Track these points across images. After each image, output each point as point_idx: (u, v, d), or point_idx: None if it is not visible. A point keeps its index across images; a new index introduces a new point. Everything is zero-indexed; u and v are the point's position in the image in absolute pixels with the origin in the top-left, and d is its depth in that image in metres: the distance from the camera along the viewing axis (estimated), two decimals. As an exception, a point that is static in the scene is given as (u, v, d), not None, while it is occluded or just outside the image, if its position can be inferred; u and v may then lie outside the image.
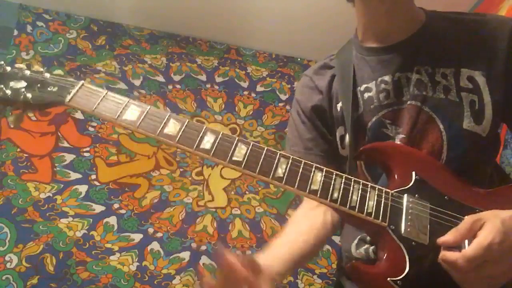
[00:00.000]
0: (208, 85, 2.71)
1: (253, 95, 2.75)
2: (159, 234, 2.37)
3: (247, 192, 2.52)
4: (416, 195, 0.77)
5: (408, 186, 0.78)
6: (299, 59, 2.87)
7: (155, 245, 2.35)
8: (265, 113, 2.71)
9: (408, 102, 0.87)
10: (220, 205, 2.49)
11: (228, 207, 2.49)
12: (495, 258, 0.65)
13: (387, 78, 0.89)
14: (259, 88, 2.77)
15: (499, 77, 0.84)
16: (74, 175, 2.39)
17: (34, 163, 2.37)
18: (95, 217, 2.33)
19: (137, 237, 2.34)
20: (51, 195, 2.33)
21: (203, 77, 2.72)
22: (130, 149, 2.50)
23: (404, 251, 0.72)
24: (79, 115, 2.50)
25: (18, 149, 2.37)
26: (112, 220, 2.35)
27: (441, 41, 0.89)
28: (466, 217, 0.72)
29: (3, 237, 2.20)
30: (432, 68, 0.87)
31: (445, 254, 0.68)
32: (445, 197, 0.78)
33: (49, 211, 2.29)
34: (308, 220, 0.96)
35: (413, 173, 0.79)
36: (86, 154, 2.44)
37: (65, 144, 2.44)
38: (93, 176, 2.41)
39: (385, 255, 0.73)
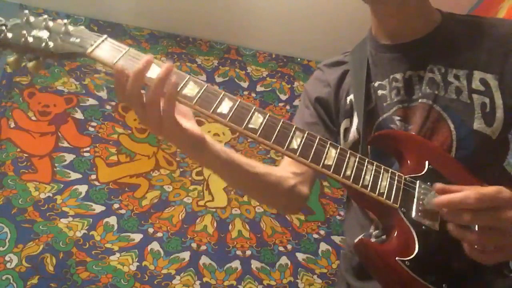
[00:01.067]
0: (208, 85, 2.70)
1: (253, 95, 2.75)
2: (159, 234, 2.37)
3: (247, 192, 2.52)
4: (428, 183, 0.77)
5: (421, 173, 0.79)
6: (299, 59, 2.87)
7: (155, 245, 2.35)
8: (265, 113, 2.71)
9: (420, 100, 0.88)
10: (220, 205, 2.49)
11: (228, 207, 2.49)
12: (504, 204, 0.64)
13: (398, 76, 0.90)
14: (259, 88, 2.77)
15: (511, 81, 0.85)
16: (74, 175, 2.39)
17: (34, 163, 2.37)
18: (95, 217, 2.33)
19: (137, 237, 2.34)
20: (51, 195, 2.33)
21: (203, 77, 2.72)
22: (130, 149, 2.50)
23: (414, 233, 0.72)
24: (79, 115, 2.50)
25: (18, 149, 2.37)
26: (112, 220, 2.35)
27: (455, 43, 0.90)
28: None
29: (3, 237, 2.20)
30: (445, 68, 0.88)
31: (455, 193, 0.66)
32: None
33: (49, 211, 2.29)
34: (269, 166, 0.95)
35: (427, 162, 0.80)
36: (86, 154, 2.44)
37: (65, 144, 2.44)
38: (93, 176, 2.41)
39: (395, 235, 0.73)
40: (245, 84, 2.76)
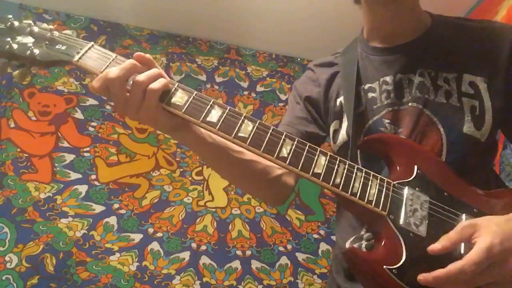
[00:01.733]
0: (208, 85, 2.71)
1: (253, 95, 2.75)
2: (159, 234, 2.37)
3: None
4: (417, 188, 0.78)
5: (410, 179, 0.79)
6: (299, 59, 2.87)
7: (155, 245, 2.35)
8: (265, 113, 2.72)
9: (409, 104, 0.88)
10: (220, 205, 2.49)
11: (228, 207, 2.49)
12: (499, 259, 0.65)
13: (388, 79, 0.91)
14: (259, 88, 2.77)
15: (500, 84, 0.85)
16: (74, 175, 2.39)
17: (34, 163, 2.37)
18: (95, 217, 2.33)
19: (137, 237, 2.34)
20: (51, 195, 2.33)
21: (203, 77, 2.72)
22: (130, 149, 2.50)
23: (402, 241, 0.72)
24: (79, 115, 2.50)
25: (18, 149, 2.37)
26: (112, 220, 2.35)
27: (445, 46, 0.90)
28: (458, 224, 0.72)
29: (3, 237, 2.20)
30: (435, 72, 0.88)
31: (449, 267, 0.66)
32: (445, 193, 0.79)
33: (49, 211, 2.29)
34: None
35: (415, 167, 0.80)
36: (86, 154, 2.44)
37: (65, 144, 2.44)
38: (93, 176, 2.41)
39: (383, 243, 0.74)
40: (245, 84, 2.76)
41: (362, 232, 0.88)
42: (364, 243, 0.86)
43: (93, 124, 2.50)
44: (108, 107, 2.55)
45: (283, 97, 2.78)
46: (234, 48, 2.82)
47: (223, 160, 0.86)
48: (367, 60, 0.95)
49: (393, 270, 0.70)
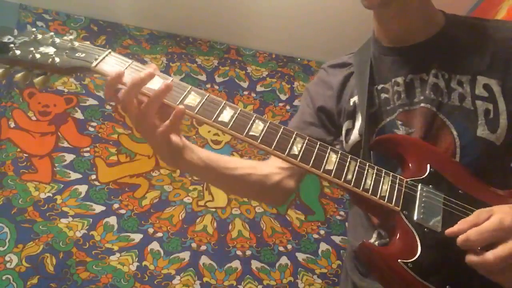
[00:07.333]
0: (208, 85, 2.71)
1: (253, 95, 2.75)
2: (159, 234, 2.37)
3: (247, 192, 2.52)
4: (430, 186, 0.78)
5: (423, 176, 0.79)
6: (299, 59, 2.87)
7: (155, 245, 2.35)
8: (265, 113, 2.72)
9: (422, 104, 0.87)
10: (220, 205, 2.49)
11: (228, 207, 2.49)
12: (507, 234, 0.65)
13: (399, 80, 0.90)
14: (259, 88, 2.77)
15: None
16: (74, 175, 2.39)
17: (34, 163, 2.36)
18: (95, 217, 2.33)
19: (137, 237, 2.34)
20: (51, 195, 2.33)
21: (203, 77, 2.72)
22: (130, 149, 2.50)
23: (416, 236, 0.72)
24: (79, 115, 2.50)
25: (18, 149, 2.36)
26: (112, 220, 2.35)
27: (458, 47, 0.89)
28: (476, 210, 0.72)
29: (3, 237, 2.20)
30: (449, 74, 0.88)
31: (477, 258, 0.67)
32: (459, 191, 0.78)
33: (49, 211, 2.29)
34: (255, 162, 0.97)
35: (428, 165, 0.80)
36: (86, 154, 2.44)
37: (65, 144, 2.44)
38: (93, 176, 2.41)
39: (397, 238, 0.73)
40: (245, 84, 2.76)
41: (375, 234, 0.88)
42: (377, 242, 0.86)
43: (93, 124, 2.50)
44: (108, 107, 2.55)
45: (283, 97, 2.78)
46: (234, 48, 2.82)
47: (219, 179, 0.92)
48: (380, 60, 0.95)
49: (408, 264, 0.70)
